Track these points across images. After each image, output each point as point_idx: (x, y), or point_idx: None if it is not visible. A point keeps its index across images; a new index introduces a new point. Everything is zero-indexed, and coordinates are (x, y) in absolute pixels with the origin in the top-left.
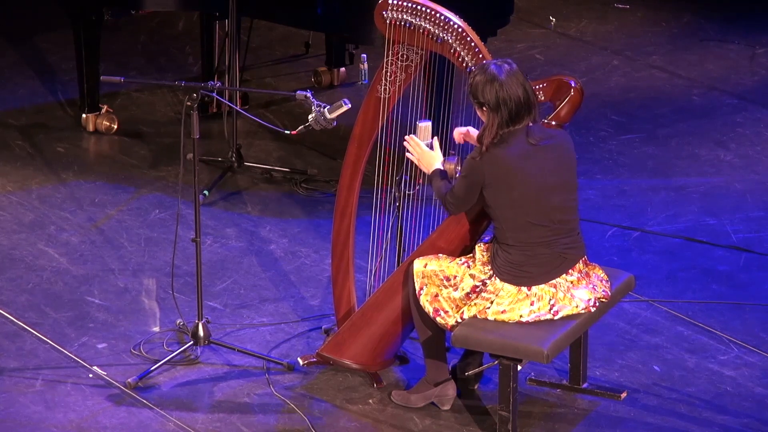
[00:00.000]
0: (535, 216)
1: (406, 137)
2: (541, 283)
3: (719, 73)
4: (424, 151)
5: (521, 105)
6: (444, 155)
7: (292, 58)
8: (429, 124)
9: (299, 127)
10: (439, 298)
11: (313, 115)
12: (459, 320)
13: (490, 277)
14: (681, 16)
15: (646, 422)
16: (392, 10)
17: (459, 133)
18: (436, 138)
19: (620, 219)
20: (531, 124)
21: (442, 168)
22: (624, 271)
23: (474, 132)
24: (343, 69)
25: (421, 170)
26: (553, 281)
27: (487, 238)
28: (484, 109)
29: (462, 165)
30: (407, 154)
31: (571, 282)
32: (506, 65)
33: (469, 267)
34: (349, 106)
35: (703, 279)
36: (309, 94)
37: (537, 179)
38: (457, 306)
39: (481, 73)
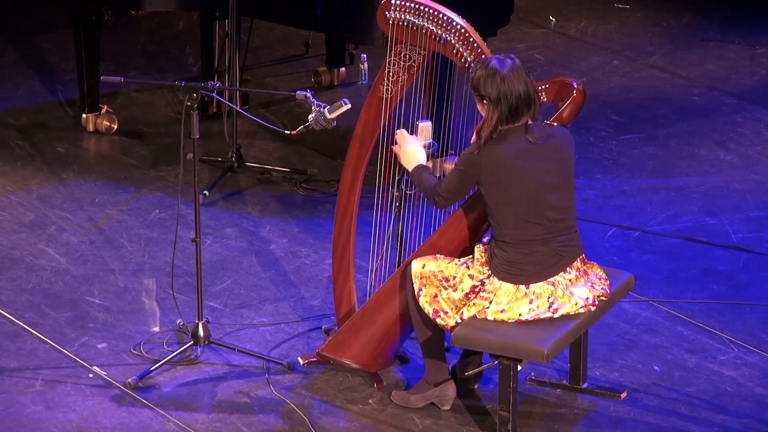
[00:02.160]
0: (530, 214)
1: (398, 131)
2: (538, 281)
3: (719, 73)
4: (410, 146)
5: (521, 100)
6: (444, 155)
7: (292, 58)
8: (429, 124)
9: (299, 127)
10: (439, 299)
11: (313, 115)
12: (459, 321)
13: (488, 277)
14: (681, 16)
15: (646, 422)
16: (395, 10)
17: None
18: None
19: (620, 219)
20: (531, 122)
21: (424, 164)
22: (624, 271)
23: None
24: (343, 69)
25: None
26: (552, 279)
27: (486, 239)
28: (485, 102)
29: (463, 154)
30: (392, 146)
31: (569, 280)
32: (509, 60)
33: (467, 267)
34: (349, 106)
35: (703, 279)
36: (309, 94)
37: (534, 178)
38: (456, 307)
39: (483, 67)
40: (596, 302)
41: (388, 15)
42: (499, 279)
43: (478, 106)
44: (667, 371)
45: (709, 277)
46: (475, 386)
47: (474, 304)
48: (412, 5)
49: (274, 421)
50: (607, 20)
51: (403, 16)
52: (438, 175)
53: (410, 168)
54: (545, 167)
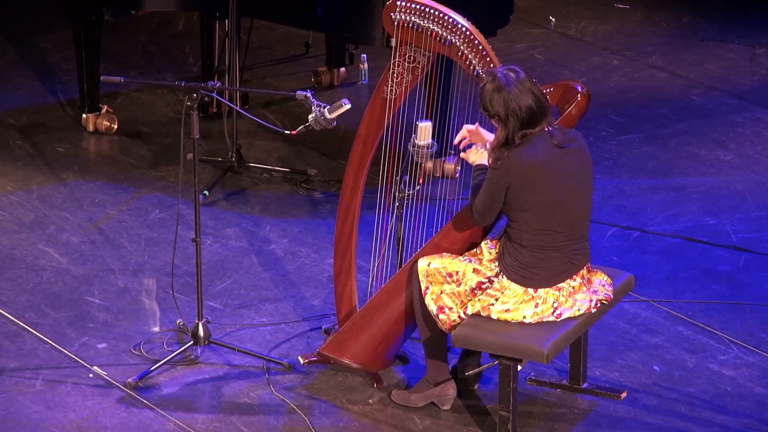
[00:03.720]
0: (552, 220)
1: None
2: (547, 287)
3: (719, 73)
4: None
5: (533, 112)
6: (444, 155)
7: (292, 58)
8: (429, 124)
9: (299, 127)
10: (443, 295)
11: (313, 115)
12: (462, 315)
13: (496, 275)
14: (681, 16)
15: (646, 422)
16: (400, 11)
17: (463, 134)
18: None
19: (620, 219)
20: (550, 128)
21: (485, 166)
22: (624, 271)
23: (484, 132)
24: (343, 69)
25: (421, 170)
26: (558, 285)
27: (492, 235)
28: (495, 119)
29: (489, 169)
30: (458, 141)
31: (573, 287)
32: (512, 74)
33: (471, 263)
34: (349, 106)
35: (703, 279)
36: (309, 94)
37: (560, 183)
38: (461, 301)
39: (489, 83)
40: (598, 305)
41: (393, 16)
42: (509, 279)
43: (492, 122)
44: (667, 371)
45: (709, 277)
46: (475, 387)
47: (479, 300)
48: (418, 7)
49: (274, 421)
50: (607, 20)
51: (408, 18)
52: (437, 176)
53: (474, 163)
54: (571, 172)
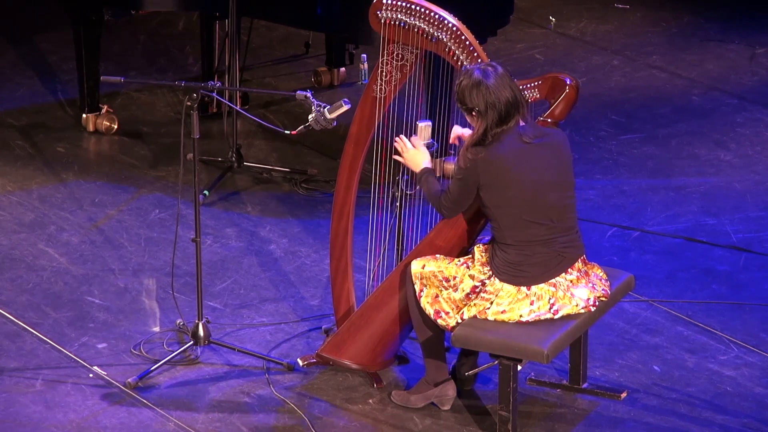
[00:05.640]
0: (531, 214)
1: (397, 138)
2: (540, 283)
3: (719, 73)
4: (412, 151)
5: (510, 106)
6: (443, 155)
7: (292, 58)
8: (429, 123)
9: (299, 127)
10: (440, 299)
11: (313, 115)
12: (459, 321)
13: (489, 278)
14: (681, 16)
15: (646, 422)
16: (387, 9)
17: (455, 134)
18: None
19: (620, 219)
20: (522, 123)
21: (430, 166)
22: (624, 271)
23: (467, 132)
24: (343, 69)
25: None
26: (553, 280)
27: (485, 239)
28: (474, 114)
29: (459, 167)
30: (395, 156)
31: (570, 281)
32: (490, 68)
33: (468, 268)
34: (349, 106)
35: (703, 279)
36: (309, 94)
37: (532, 177)
38: (457, 307)
39: (466, 78)
40: (597, 303)
41: (379, 15)
42: (501, 280)
43: (467, 118)
44: (667, 371)
45: (709, 277)
46: (470, 387)
47: (475, 304)
48: (404, 4)
49: (274, 421)
50: (607, 20)
51: (395, 16)
52: (438, 176)
53: (417, 171)
54: (542, 166)
